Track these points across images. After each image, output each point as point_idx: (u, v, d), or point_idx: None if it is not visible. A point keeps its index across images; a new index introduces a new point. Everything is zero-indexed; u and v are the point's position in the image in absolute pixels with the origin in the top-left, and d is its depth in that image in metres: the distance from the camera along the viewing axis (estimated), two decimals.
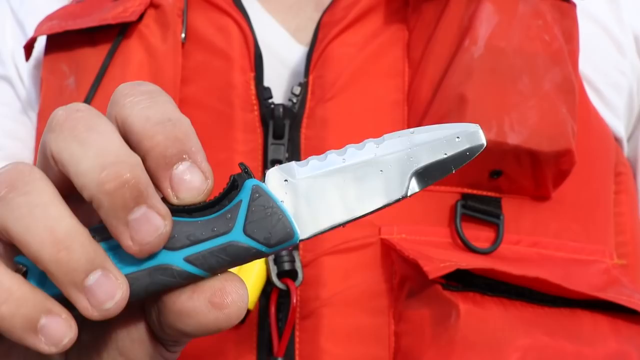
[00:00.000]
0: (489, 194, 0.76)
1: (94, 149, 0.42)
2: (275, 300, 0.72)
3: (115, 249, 0.43)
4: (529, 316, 0.72)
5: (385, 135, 0.46)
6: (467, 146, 0.45)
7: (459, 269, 0.70)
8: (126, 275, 0.43)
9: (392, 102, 0.77)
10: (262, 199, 0.44)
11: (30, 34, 0.86)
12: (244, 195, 0.44)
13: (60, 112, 0.44)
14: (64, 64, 0.82)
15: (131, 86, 0.45)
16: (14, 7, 0.90)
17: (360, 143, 0.46)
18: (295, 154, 0.75)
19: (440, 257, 0.71)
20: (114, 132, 0.43)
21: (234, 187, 0.44)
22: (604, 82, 0.83)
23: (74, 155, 0.42)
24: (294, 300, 0.71)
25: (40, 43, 0.84)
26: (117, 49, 0.79)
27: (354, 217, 0.45)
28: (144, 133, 0.43)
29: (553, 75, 0.75)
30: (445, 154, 0.45)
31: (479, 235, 0.75)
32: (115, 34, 0.80)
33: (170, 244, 0.43)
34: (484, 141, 0.45)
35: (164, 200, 0.44)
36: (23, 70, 0.88)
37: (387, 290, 0.73)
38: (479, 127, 0.46)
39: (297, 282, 0.72)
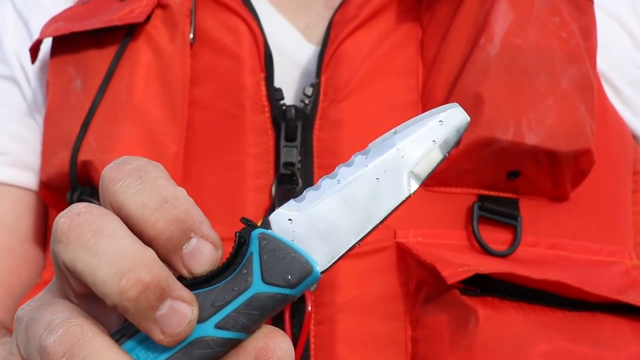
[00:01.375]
0: (506, 195, 0.75)
1: (106, 255, 0.41)
2: (289, 306, 0.71)
3: (146, 340, 0.43)
4: (549, 320, 0.71)
5: (370, 144, 0.45)
6: (452, 127, 0.45)
7: (477, 273, 0.69)
8: None
9: (406, 102, 0.76)
10: (270, 244, 0.43)
11: (35, 34, 0.84)
12: (254, 247, 0.43)
13: (62, 221, 0.42)
14: (70, 66, 0.80)
15: (117, 168, 0.44)
16: (18, 6, 0.89)
17: (349, 160, 0.45)
18: (307, 156, 0.74)
19: (458, 260, 0.70)
20: (121, 229, 0.42)
21: (242, 243, 0.44)
22: (622, 79, 0.82)
23: (88, 265, 0.41)
24: (309, 306, 0.70)
25: (46, 45, 0.83)
26: (125, 51, 0.78)
27: (365, 234, 0.44)
28: (144, 223, 0.43)
29: (571, 73, 0.73)
30: (434, 141, 0.45)
31: (496, 238, 0.74)
32: (122, 35, 0.78)
33: (198, 317, 0.42)
34: (466, 116, 0.45)
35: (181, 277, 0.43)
36: (29, 71, 0.87)
37: (403, 295, 0.72)
38: (457, 104, 0.45)
39: (312, 288, 0.71)
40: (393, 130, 0.45)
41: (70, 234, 0.42)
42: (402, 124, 0.45)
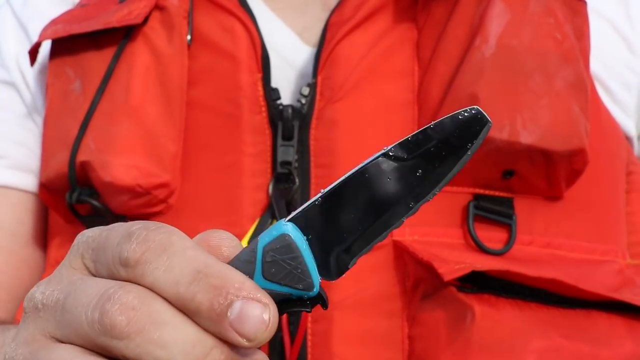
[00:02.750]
0: (501, 194, 0.76)
1: (176, 347, 0.40)
2: None
3: None
4: (545, 317, 0.71)
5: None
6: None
7: (473, 271, 0.69)
8: None
9: (402, 102, 0.76)
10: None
11: (34, 38, 0.85)
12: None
13: (120, 319, 0.40)
14: (69, 68, 0.81)
15: (139, 248, 0.42)
16: (17, 10, 0.90)
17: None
18: (304, 156, 0.75)
19: (454, 258, 0.70)
20: (178, 316, 0.41)
21: None
22: (615, 80, 0.82)
23: (159, 359, 0.40)
24: None
25: (45, 47, 0.83)
26: (123, 52, 0.78)
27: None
28: (182, 300, 0.41)
29: (565, 73, 0.74)
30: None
31: (492, 236, 0.74)
32: (120, 37, 0.79)
33: None
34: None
35: None
36: (28, 75, 0.87)
37: (400, 293, 0.72)
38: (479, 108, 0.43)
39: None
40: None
41: (132, 330, 0.40)
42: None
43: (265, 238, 0.42)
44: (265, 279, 0.42)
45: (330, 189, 0.43)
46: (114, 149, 0.75)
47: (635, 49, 0.83)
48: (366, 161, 0.43)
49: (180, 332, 0.40)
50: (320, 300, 0.43)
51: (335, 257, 0.43)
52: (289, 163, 0.74)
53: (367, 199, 0.43)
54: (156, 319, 0.40)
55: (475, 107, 0.43)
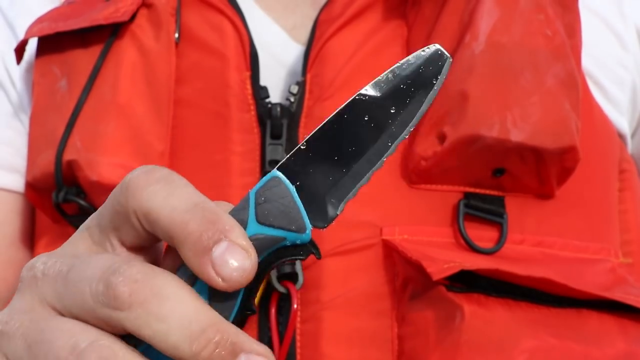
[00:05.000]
0: (492, 192, 0.75)
1: (175, 321, 0.41)
2: (275, 303, 0.71)
3: None
4: (535, 317, 0.70)
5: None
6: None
7: (463, 270, 0.69)
8: None
9: None
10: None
11: (21, 36, 0.84)
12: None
13: (123, 290, 0.41)
14: (55, 66, 0.80)
15: (144, 176, 0.44)
16: (3, 8, 0.89)
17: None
18: None
19: (444, 257, 0.70)
20: (181, 289, 0.42)
21: None
22: (607, 77, 0.82)
23: (157, 332, 0.41)
24: (295, 304, 0.70)
25: (32, 45, 0.83)
26: (110, 50, 0.78)
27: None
28: (174, 224, 0.42)
29: (556, 70, 0.73)
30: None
31: (483, 235, 0.74)
32: (107, 34, 0.78)
33: None
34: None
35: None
36: (14, 74, 0.87)
37: (389, 293, 0.72)
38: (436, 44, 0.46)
39: (298, 285, 0.71)
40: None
41: (133, 301, 0.41)
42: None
43: (256, 186, 0.44)
44: (259, 222, 0.44)
45: (313, 133, 0.45)
46: (100, 148, 0.74)
47: (628, 45, 0.83)
48: (344, 104, 0.46)
49: (180, 307, 0.41)
50: (313, 248, 0.45)
51: (323, 203, 0.45)
52: (277, 162, 0.74)
53: (347, 140, 0.45)
54: (158, 292, 0.41)
55: (434, 44, 0.46)
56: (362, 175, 0.45)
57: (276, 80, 0.78)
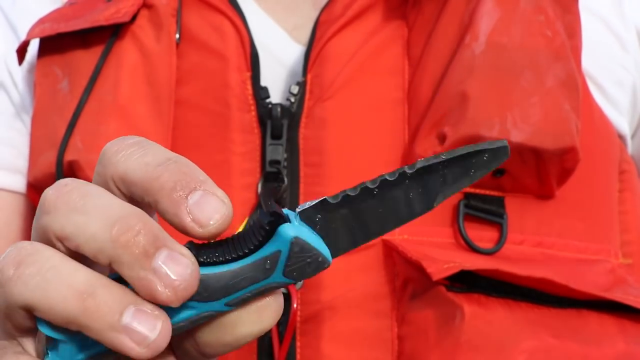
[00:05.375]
0: (492, 193, 0.75)
1: (96, 211, 0.41)
2: None
3: None
4: (535, 317, 0.71)
5: (418, 162, 0.45)
6: (493, 164, 0.45)
7: (462, 270, 0.69)
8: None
9: (392, 100, 0.76)
10: (302, 249, 0.43)
11: (23, 37, 0.84)
12: (283, 247, 0.43)
13: (49, 193, 0.43)
14: (57, 67, 0.80)
15: (118, 142, 0.45)
16: (5, 9, 0.89)
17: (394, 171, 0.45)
18: (294, 154, 0.74)
19: (444, 257, 0.70)
20: (109, 194, 0.43)
21: (269, 233, 0.43)
22: (607, 78, 0.82)
23: (78, 224, 0.41)
24: (295, 304, 0.70)
25: (34, 46, 0.83)
26: (111, 51, 0.78)
27: (381, 233, 0.46)
28: (148, 178, 0.42)
29: (556, 71, 0.73)
30: (472, 171, 0.45)
31: (483, 235, 0.74)
32: (108, 35, 0.78)
33: (209, 298, 0.43)
34: (508, 152, 0.45)
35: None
36: (16, 75, 0.87)
37: (389, 293, 0.72)
38: (506, 141, 0.45)
39: (298, 285, 0.71)
40: (441, 154, 0.45)
41: (59, 202, 0.42)
42: (451, 151, 0.45)
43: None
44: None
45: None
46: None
47: (628, 46, 0.83)
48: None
49: (103, 201, 0.42)
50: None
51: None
52: (278, 162, 0.74)
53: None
54: (84, 192, 0.42)
55: (504, 140, 0.45)
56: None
57: (277, 80, 0.78)
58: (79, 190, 0.42)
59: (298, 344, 0.71)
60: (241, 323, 0.44)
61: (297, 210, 0.44)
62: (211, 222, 0.42)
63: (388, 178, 0.44)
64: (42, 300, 0.41)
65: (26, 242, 0.43)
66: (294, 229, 0.43)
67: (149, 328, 0.41)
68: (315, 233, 0.44)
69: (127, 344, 0.41)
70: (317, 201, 0.44)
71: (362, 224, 0.45)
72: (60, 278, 0.41)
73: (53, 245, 0.43)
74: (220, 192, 0.43)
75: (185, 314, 0.43)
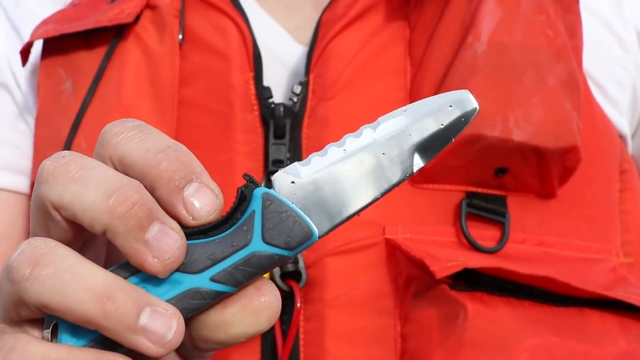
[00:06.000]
0: (494, 192, 0.75)
1: (93, 182, 0.42)
2: None
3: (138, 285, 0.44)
4: (537, 316, 0.71)
5: (380, 118, 0.46)
6: (460, 113, 0.45)
7: (465, 269, 0.69)
8: None
9: (394, 100, 0.76)
10: (274, 205, 0.44)
11: (26, 39, 0.84)
12: (256, 205, 0.44)
13: (47, 163, 0.44)
14: (60, 68, 0.80)
15: (118, 124, 0.45)
16: (9, 11, 0.89)
17: (357, 130, 0.46)
18: (296, 154, 0.75)
19: (447, 256, 0.70)
20: (105, 165, 0.44)
21: (243, 199, 0.44)
22: (608, 78, 0.82)
23: (75, 194, 0.42)
24: (298, 302, 0.70)
25: (37, 48, 0.83)
26: (114, 52, 0.78)
27: (365, 204, 0.45)
28: (147, 164, 0.44)
29: (557, 71, 0.74)
30: (442, 124, 0.45)
31: (485, 234, 0.74)
32: (111, 36, 0.79)
33: (193, 268, 0.43)
34: (475, 104, 0.46)
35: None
36: (20, 76, 0.87)
37: (392, 291, 0.72)
38: (468, 92, 0.46)
39: (301, 284, 0.71)
40: (403, 108, 0.46)
41: (57, 173, 0.43)
42: (413, 103, 0.46)
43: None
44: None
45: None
46: None
47: (628, 47, 0.83)
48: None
49: (100, 174, 0.43)
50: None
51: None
52: (280, 161, 0.74)
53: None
54: (81, 164, 0.43)
55: (465, 90, 0.46)
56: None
57: (279, 80, 0.79)
58: (76, 161, 0.43)
59: (301, 342, 0.71)
60: (237, 323, 0.44)
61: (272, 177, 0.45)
62: (203, 214, 0.43)
63: (353, 138, 0.45)
64: (60, 303, 0.42)
65: (39, 239, 0.43)
66: (265, 189, 0.44)
67: (166, 327, 0.42)
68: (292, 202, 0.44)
69: (144, 344, 0.42)
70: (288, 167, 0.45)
71: (338, 189, 0.44)
72: (78, 280, 0.42)
73: (50, 215, 0.44)
74: (213, 185, 0.44)
75: (173, 291, 0.43)
